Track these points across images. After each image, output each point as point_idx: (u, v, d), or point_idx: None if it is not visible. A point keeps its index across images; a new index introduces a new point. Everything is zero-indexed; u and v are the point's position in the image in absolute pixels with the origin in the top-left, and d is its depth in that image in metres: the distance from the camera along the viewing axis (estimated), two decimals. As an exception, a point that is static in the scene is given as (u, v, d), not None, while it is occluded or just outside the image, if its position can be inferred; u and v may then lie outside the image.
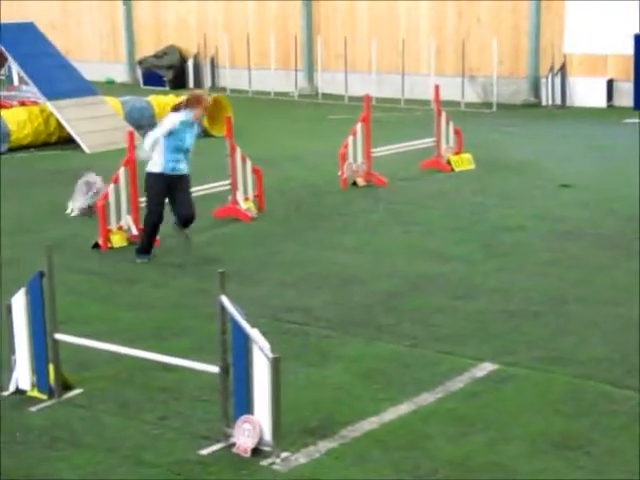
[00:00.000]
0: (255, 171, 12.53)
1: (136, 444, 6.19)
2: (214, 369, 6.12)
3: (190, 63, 28.08)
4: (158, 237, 10.54)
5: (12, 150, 17.60)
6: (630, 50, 21.77)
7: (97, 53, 30.65)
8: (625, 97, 22.19)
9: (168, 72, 27.96)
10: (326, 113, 22.48)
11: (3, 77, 23.72)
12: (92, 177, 12.72)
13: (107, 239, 10.94)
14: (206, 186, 12.52)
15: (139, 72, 28.94)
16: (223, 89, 26.52)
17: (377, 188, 13.89)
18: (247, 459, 5.94)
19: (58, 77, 19.00)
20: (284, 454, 5.96)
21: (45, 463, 5.99)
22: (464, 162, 15.17)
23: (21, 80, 21.33)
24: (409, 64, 24.31)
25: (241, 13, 27.53)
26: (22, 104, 18.74)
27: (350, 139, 13.94)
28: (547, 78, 22.80)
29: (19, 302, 6.92)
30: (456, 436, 6.20)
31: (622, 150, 16.54)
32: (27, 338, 6.91)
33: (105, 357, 7.37)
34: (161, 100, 20.00)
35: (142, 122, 18.55)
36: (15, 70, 21.80)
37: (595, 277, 9.52)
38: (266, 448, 5.97)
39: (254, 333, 5.91)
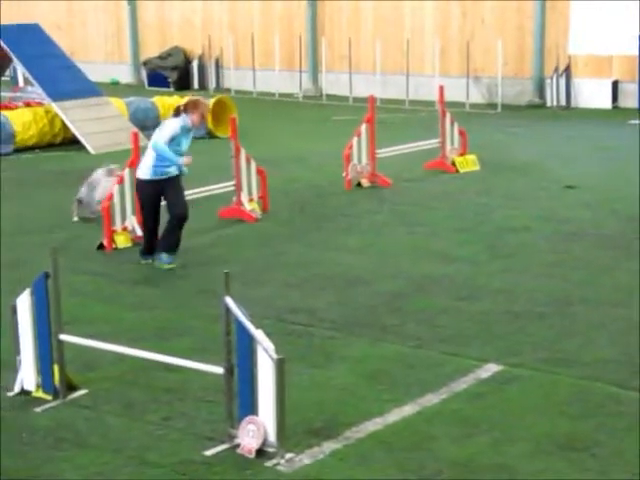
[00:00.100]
0: (259, 172, 12.54)
1: (140, 445, 6.20)
2: (218, 370, 6.12)
3: (195, 64, 28.12)
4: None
5: (17, 151, 17.64)
6: (635, 51, 21.75)
7: (102, 54, 30.70)
8: (630, 98, 22.18)
9: (173, 73, 28.00)
10: (330, 114, 22.49)
11: (8, 78, 23.78)
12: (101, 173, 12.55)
13: (112, 240, 10.95)
14: (210, 187, 12.52)
15: (144, 73, 28.98)
16: (228, 90, 26.54)
17: (382, 189, 13.89)
18: (251, 460, 5.93)
19: (63, 78, 19.03)
20: (288, 455, 5.96)
21: (50, 464, 6.00)
22: (469, 163, 15.16)
23: (26, 81, 21.39)
24: (414, 65, 24.32)
25: (246, 14, 27.54)
26: (27, 105, 18.76)
27: (355, 140, 13.94)
28: (552, 79, 22.79)
29: (24, 303, 6.93)
30: (460, 437, 6.19)
31: (627, 151, 16.51)
32: (32, 339, 6.92)
33: (110, 358, 7.38)
34: (166, 101, 20.02)
35: (147, 123, 18.58)
36: (20, 71, 21.88)
37: (600, 278, 9.51)
38: (270, 449, 5.96)
39: (258, 334, 5.91)
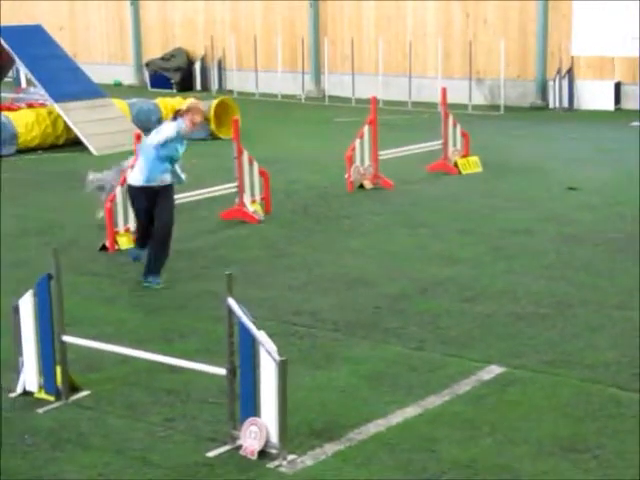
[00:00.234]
0: (262, 173, 12.54)
1: (143, 446, 6.20)
2: (221, 371, 6.13)
3: (197, 65, 28.14)
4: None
5: (20, 152, 17.65)
6: (638, 53, 21.74)
7: (105, 55, 30.72)
8: (633, 100, 22.16)
9: (175, 74, 28.01)
10: (333, 116, 22.49)
11: (11, 79, 23.80)
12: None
13: (114, 241, 10.96)
14: (213, 188, 12.52)
15: (146, 74, 28.99)
16: (230, 91, 26.55)
17: (384, 191, 13.89)
18: (254, 461, 5.94)
19: (66, 79, 19.06)
20: (290, 456, 5.96)
21: (52, 464, 6.00)
22: (471, 165, 15.16)
23: (29, 82, 21.43)
24: (416, 67, 24.32)
25: (248, 15, 27.56)
26: (30, 106, 18.78)
27: (357, 142, 13.95)
28: (554, 81, 22.78)
29: (27, 304, 6.93)
30: (463, 439, 6.19)
31: (630, 153, 16.50)
32: (34, 340, 6.92)
33: (112, 359, 7.38)
34: (168, 102, 20.05)
35: (149, 124, 18.53)
36: (23, 72, 21.91)
37: (602, 280, 9.50)
38: (273, 450, 5.97)
39: (261, 335, 5.91)
